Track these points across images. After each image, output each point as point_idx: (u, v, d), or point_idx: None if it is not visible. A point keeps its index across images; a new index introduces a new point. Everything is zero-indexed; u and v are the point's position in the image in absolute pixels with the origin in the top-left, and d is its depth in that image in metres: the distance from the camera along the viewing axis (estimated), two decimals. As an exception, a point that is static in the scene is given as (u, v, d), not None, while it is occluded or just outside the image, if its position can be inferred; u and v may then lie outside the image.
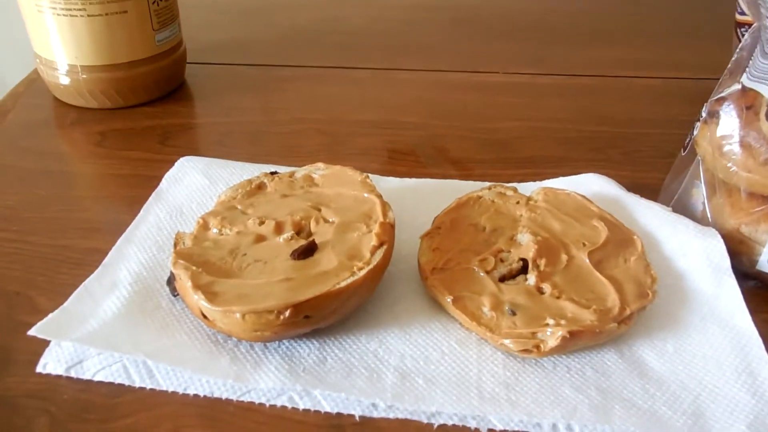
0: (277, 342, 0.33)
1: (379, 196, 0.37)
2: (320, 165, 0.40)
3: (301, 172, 0.40)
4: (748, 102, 0.36)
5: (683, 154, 0.42)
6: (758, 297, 0.37)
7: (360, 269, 0.32)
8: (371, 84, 0.60)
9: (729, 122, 0.37)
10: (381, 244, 0.33)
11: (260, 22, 0.72)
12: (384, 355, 0.32)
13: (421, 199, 0.42)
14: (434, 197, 0.42)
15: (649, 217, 0.39)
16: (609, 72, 0.64)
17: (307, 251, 0.33)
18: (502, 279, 0.35)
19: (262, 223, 0.36)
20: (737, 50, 0.36)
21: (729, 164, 0.37)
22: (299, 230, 0.35)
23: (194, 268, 0.32)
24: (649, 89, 0.62)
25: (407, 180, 0.45)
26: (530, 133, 0.53)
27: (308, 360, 0.32)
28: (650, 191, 0.44)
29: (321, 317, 0.31)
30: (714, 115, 0.38)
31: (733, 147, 0.37)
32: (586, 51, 0.69)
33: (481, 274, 0.34)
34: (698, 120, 0.40)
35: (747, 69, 0.35)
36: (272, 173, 0.41)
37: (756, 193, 0.37)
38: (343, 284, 0.31)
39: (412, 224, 0.39)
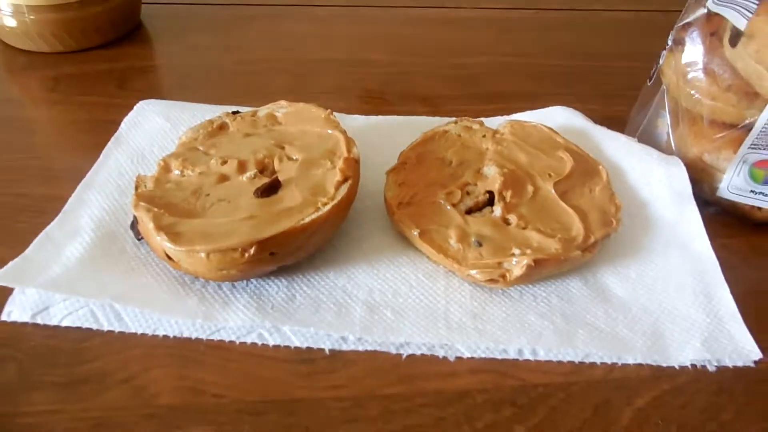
0: (245, 281, 0.32)
1: (344, 132, 0.36)
2: (283, 103, 0.39)
3: (263, 110, 0.39)
4: (713, 28, 0.36)
5: (649, 85, 0.42)
6: (718, 223, 0.38)
7: (324, 204, 0.32)
8: (337, 21, 0.58)
9: (693, 49, 0.37)
10: (345, 180, 0.33)
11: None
12: (352, 289, 0.32)
13: (387, 136, 0.42)
14: (401, 133, 0.41)
15: (615, 147, 0.40)
16: (579, 5, 0.63)
17: (271, 189, 0.33)
18: (469, 211, 0.35)
19: (224, 162, 0.35)
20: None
21: (693, 92, 0.37)
22: (263, 169, 0.35)
23: (156, 209, 0.31)
24: (620, 22, 0.61)
25: (373, 117, 0.44)
26: (499, 68, 0.52)
27: (277, 298, 0.32)
28: (618, 123, 0.45)
29: (286, 254, 0.31)
30: (679, 42, 0.38)
31: (697, 74, 0.37)
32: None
33: (448, 207, 0.34)
34: (665, 49, 0.40)
35: (712, -6, 0.35)
36: (234, 113, 0.39)
37: (718, 120, 0.37)
38: (307, 220, 0.31)
39: (379, 160, 0.39)
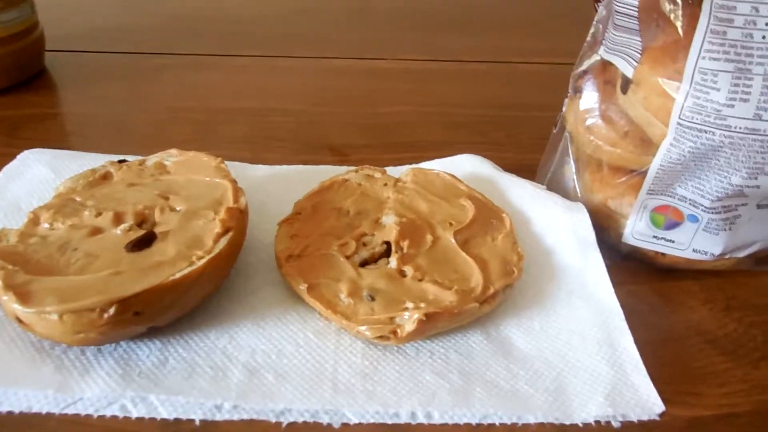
0: (113, 345, 0.29)
1: (233, 182, 0.34)
2: (173, 152, 0.37)
3: (152, 159, 0.37)
4: (607, 75, 0.36)
5: (555, 132, 0.41)
6: (625, 269, 0.37)
7: (200, 258, 0.29)
8: (253, 71, 0.57)
9: (590, 97, 0.36)
10: (226, 231, 0.31)
11: (141, 10, 0.68)
12: (233, 351, 0.30)
13: (288, 186, 0.40)
14: (303, 183, 0.39)
15: (520, 194, 0.39)
16: (497, 58, 0.64)
17: (144, 241, 0.30)
18: (364, 264, 0.33)
19: (99, 214, 0.32)
20: (594, 23, 0.36)
21: (592, 138, 0.37)
22: (142, 221, 0.32)
23: (10, 266, 0.28)
24: (535, 74, 0.62)
25: (278, 167, 0.43)
26: (415, 118, 0.52)
27: (147, 362, 0.29)
28: (531, 171, 0.44)
29: (155, 313, 0.28)
30: (577, 90, 0.37)
31: (596, 121, 0.36)
32: (476, 39, 0.68)
33: (341, 259, 0.32)
34: (567, 96, 0.40)
35: (603, 41, 0.35)
36: (120, 161, 0.37)
37: (619, 166, 0.36)
38: (178, 275, 0.28)
39: (277, 211, 0.37)
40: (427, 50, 0.64)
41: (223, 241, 0.30)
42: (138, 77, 0.55)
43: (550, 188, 0.41)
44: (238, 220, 0.31)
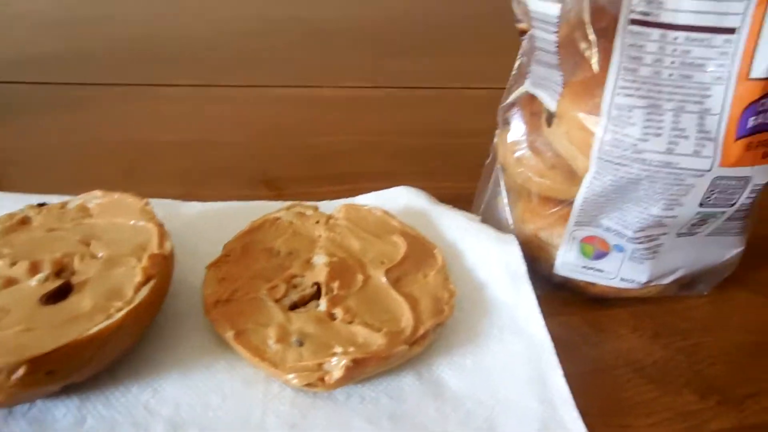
0: (26, 405, 0.28)
1: (158, 225, 0.33)
2: (97, 193, 0.36)
3: (74, 202, 0.36)
4: (534, 108, 0.36)
5: (488, 162, 0.42)
6: (558, 299, 0.37)
7: (118, 310, 0.28)
8: (189, 101, 0.56)
9: (518, 128, 0.37)
10: (148, 279, 0.30)
11: (72, 37, 0.66)
12: (156, 406, 0.28)
13: (221, 224, 0.39)
14: (236, 221, 0.38)
15: (453, 228, 0.39)
16: (440, 84, 0.65)
17: (59, 294, 0.29)
18: (294, 306, 0.32)
19: (14, 263, 0.31)
20: (519, 56, 0.37)
21: (522, 170, 0.37)
22: (60, 270, 0.31)
23: None
24: (477, 100, 0.63)
25: (211, 204, 0.42)
26: (354, 148, 0.51)
27: (63, 422, 0.27)
28: (467, 201, 0.44)
29: (70, 371, 0.27)
30: (506, 122, 0.38)
31: (524, 153, 0.37)
32: (422, 63, 0.69)
33: (270, 303, 0.32)
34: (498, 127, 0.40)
35: (529, 77, 0.35)
36: (40, 205, 0.36)
37: (548, 197, 0.37)
38: (94, 330, 0.27)
39: (209, 252, 0.36)
40: (371, 76, 0.64)
41: (145, 290, 0.29)
42: (66, 110, 0.53)
43: (484, 219, 0.41)
44: (161, 267, 0.31)
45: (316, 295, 0.33)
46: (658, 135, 0.29)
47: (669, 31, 0.28)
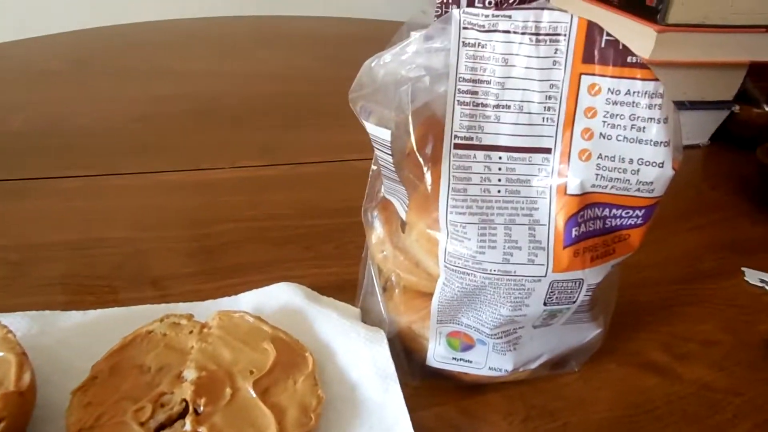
0: None
1: (19, 355, 0.33)
2: (-42, 321, 0.35)
3: (-66, 332, 0.35)
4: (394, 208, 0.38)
5: (363, 254, 0.43)
6: (434, 390, 0.39)
7: (-36, 461, 0.28)
8: (78, 195, 0.55)
9: (381, 229, 0.39)
10: (-1, 422, 0.29)
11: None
12: None
13: (98, 336, 0.39)
14: (114, 332, 0.38)
15: (327, 327, 0.40)
16: (337, 156, 0.66)
17: None
18: (162, 427, 0.32)
19: None
20: (373, 161, 0.39)
21: (390, 266, 0.39)
22: None
23: None
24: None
25: (92, 312, 0.41)
26: (244, 235, 0.52)
27: None
28: (354, 287, 0.45)
29: None
30: (370, 222, 0.40)
31: (389, 252, 0.38)
32: (317, 136, 0.71)
33: (135, 427, 0.32)
34: (366, 224, 0.42)
35: (383, 183, 0.37)
36: None
37: (418, 291, 0.39)
38: (-66, 488, 0.26)
39: (80, 371, 0.36)
40: (265, 154, 0.65)
41: (-5, 435, 0.29)
42: (-54, 213, 0.52)
43: (363, 310, 0.42)
44: (15, 406, 0.30)
45: (185, 413, 0.33)
46: (493, 247, 0.31)
47: (492, 152, 0.30)
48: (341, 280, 0.48)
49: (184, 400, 0.33)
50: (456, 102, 0.30)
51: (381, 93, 0.32)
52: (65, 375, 0.36)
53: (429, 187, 0.32)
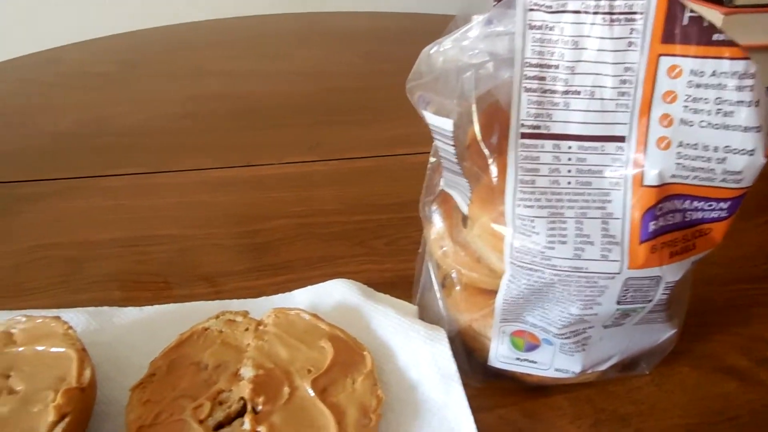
0: None
1: (80, 351, 0.33)
2: (21, 318, 0.36)
3: (-3, 328, 0.35)
4: (454, 202, 0.37)
5: (420, 251, 0.42)
6: (496, 390, 0.37)
7: (28, 458, 0.27)
8: (128, 193, 0.56)
9: (440, 224, 0.37)
10: (61, 418, 0.29)
11: (15, 131, 0.66)
12: None
13: (155, 333, 0.39)
14: (170, 328, 0.38)
15: (385, 325, 0.39)
16: (385, 151, 0.65)
17: (-31, 443, 0.28)
18: (221, 426, 0.32)
19: (-74, 408, 0.30)
20: (431, 153, 0.37)
21: (450, 262, 0.37)
22: (-24, 409, 0.30)
23: None
24: (423, 166, 0.63)
25: (148, 309, 0.41)
26: (294, 232, 0.51)
27: None
28: (409, 284, 0.44)
29: None
30: (428, 217, 0.38)
31: (449, 248, 0.37)
32: (363, 131, 0.69)
33: (194, 425, 0.31)
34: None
35: (443, 176, 0.36)
36: (-39, 334, 0.35)
37: (480, 288, 0.37)
38: (0, 485, 0.26)
39: (141, 365, 0.35)
40: (312, 150, 0.65)
41: (57, 431, 0.29)
42: (2, 212, 0.52)
43: (421, 308, 0.41)
44: (78, 401, 0.30)
45: (242, 411, 0.32)
46: (563, 242, 0.30)
47: (562, 141, 0.29)
48: (395, 276, 0.47)
49: (242, 398, 0.33)
50: (522, 89, 0.28)
51: (441, 81, 0.30)
52: (123, 372, 0.36)
53: (494, 179, 0.30)
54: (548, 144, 0.28)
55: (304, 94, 0.79)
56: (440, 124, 0.30)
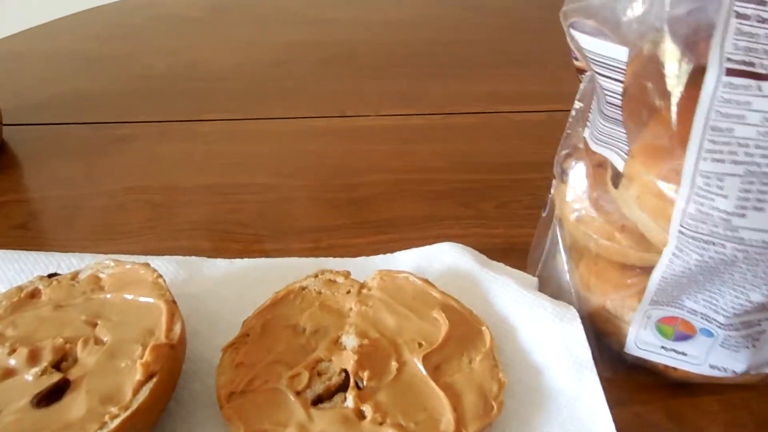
0: None
1: (170, 302, 0.30)
2: (109, 263, 0.33)
3: (86, 272, 0.33)
4: (599, 157, 0.31)
5: (544, 215, 0.36)
6: (632, 383, 0.32)
7: (113, 417, 0.25)
8: (219, 138, 0.53)
9: (578, 183, 0.32)
10: (149, 377, 0.26)
11: (108, 73, 0.64)
12: None
13: (246, 288, 0.36)
14: (263, 283, 0.35)
15: (505, 298, 0.34)
16: (489, 108, 0.59)
17: (52, 394, 0.26)
18: (319, 400, 0.28)
19: (13, 351, 0.28)
20: (577, 98, 0.31)
21: (584, 229, 0.32)
22: (63, 358, 0.28)
23: None
24: (531, 125, 0.57)
25: (238, 261, 0.38)
26: (395, 188, 0.47)
27: None
28: (523, 252, 0.39)
29: (59, 490, 0.24)
30: (563, 174, 0.33)
31: (587, 212, 0.31)
32: (465, 85, 0.63)
33: (291, 397, 0.28)
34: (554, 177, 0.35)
35: (589, 127, 0.30)
36: (50, 276, 0.33)
37: (618, 262, 0.31)
38: (84, 444, 0.24)
39: (232, 322, 0.32)
40: (411, 102, 0.59)
41: (145, 392, 0.26)
42: (98, 151, 0.51)
43: (541, 280, 0.36)
44: (166, 360, 0.27)
45: (344, 385, 0.28)
46: (760, 209, 0.23)
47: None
48: (507, 243, 0.42)
49: (344, 370, 0.29)
50: (733, 13, 0.22)
51: (612, 3, 0.24)
52: (213, 328, 0.33)
53: (674, 123, 0.24)
54: (765, 86, 0.22)
55: (401, 43, 0.73)
56: (609, 52, 0.24)
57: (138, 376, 0.26)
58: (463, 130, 0.56)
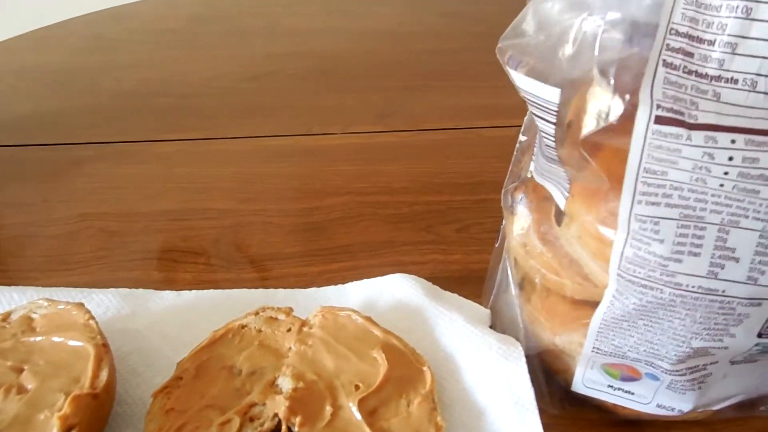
0: None
1: (98, 347, 0.29)
2: (43, 302, 0.32)
3: (18, 312, 0.32)
4: (546, 192, 0.30)
5: (497, 246, 0.35)
6: (580, 420, 0.31)
7: (25, 477, 0.24)
8: (181, 161, 0.52)
9: (525, 217, 0.30)
10: (68, 430, 0.25)
11: (75, 90, 0.63)
12: None
13: (190, 323, 0.35)
14: (209, 317, 0.34)
15: (451, 335, 0.32)
16: (462, 123, 0.58)
17: (-34, 451, 0.25)
18: (250, 447, 0.27)
19: (-66, 401, 0.27)
20: (521, 131, 0.30)
21: (533, 263, 0.31)
22: (-16, 407, 0.27)
23: None
24: (505, 141, 0.54)
25: (185, 293, 0.37)
26: (354, 212, 0.46)
27: None
28: (480, 279, 0.38)
29: None
30: (512, 207, 0.31)
31: (534, 246, 0.30)
32: (439, 98, 0.62)
33: (220, 444, 0.27)
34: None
35: (534, 160, 0.29)
36: (-18, 316, 0.32)
37: (568, 297, 0.30)
38: None
39: (170, 364, 0.31)
40: (380, 119, 0.58)
41: (61, 446, 0.25)
42: (55, 175, 0.50)
43: (493, 312, 0.35)
44: (88, 410, 0.26)
45: (277, 430, 0.27)
46: (696, 254, 0.22)
47: (719, 133, 0.21)
48: (465, 270, 0.40)
49: (277, 415, 0.28)
50: (661, 61, 0.20)
51: (545, 43, 0.23)
52: (152, 367, 0.32)
53: (608, 166, 0.23)
54: (698, 136, 0.21)
55: (379, 54, 0.72)
56: (542, 93, 0.23)
57: (55, 429, 0.25)
58: (432, 147, 0.54)
